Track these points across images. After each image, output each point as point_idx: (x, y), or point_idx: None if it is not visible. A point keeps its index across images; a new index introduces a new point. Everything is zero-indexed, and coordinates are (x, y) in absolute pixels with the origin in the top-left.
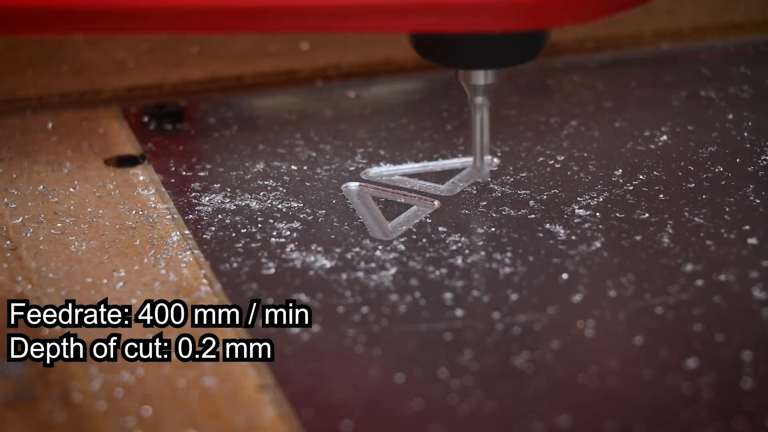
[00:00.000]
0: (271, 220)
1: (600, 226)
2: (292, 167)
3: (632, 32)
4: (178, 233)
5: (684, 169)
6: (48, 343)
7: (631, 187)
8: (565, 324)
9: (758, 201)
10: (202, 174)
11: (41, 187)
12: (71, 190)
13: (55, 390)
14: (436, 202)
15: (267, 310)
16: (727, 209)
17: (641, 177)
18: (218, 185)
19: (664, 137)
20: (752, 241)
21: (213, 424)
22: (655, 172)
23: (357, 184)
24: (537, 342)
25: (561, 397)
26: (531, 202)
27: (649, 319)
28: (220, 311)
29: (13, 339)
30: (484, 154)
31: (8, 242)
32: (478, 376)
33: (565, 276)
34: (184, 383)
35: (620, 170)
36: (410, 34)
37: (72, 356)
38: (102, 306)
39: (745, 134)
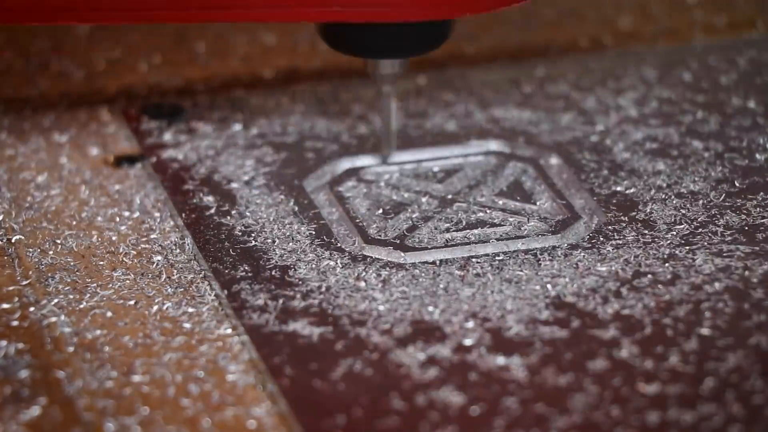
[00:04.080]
0: (272, 220)
1: None
2: (294, 167)
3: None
4: (177, 233)
5: None
6: (47, 342)
7: None
8: None
9: None
10: (201, 174)
11: (41, 186)
12: (70, 189)
13: (54, 389)
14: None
15: (266, 309)
16: None
17: None
18: (218, 185)
19: None
20: None
21: (212, 424)
22: None
23: (356, 183)
24: None
25: None
26: None
27: None
28: (219, 311)
29: (12, 338)
30: (392, 140)
31: (7, 241)
32: (480, 377)
33: None
34: (183, 383)
35: None
36: (318, 23)
37: (71, 355)
38: (101, 305)
39: None
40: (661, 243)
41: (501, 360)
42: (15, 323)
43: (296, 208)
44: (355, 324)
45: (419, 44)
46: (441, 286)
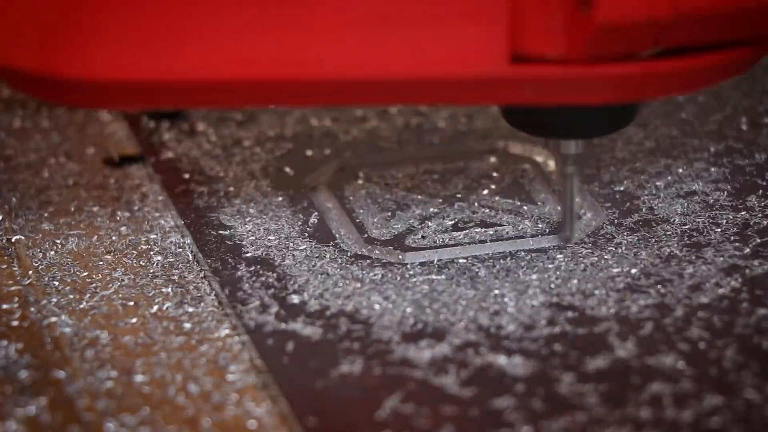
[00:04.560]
0: (273, 220)
1: None
2: (294, 167)
3: None
4: (178, 233)
5: None
6: (47, 342)
7: None
8: None
9: None
10: (201, 174)
11: (41, 186)
12: (70, 189)
13: (54, 389)
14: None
15: (266, 309)
16: None
17: None
18: (218, 185)
19: None
20: None
21: (212, 424)
22: None
23: (356, 182)
24: None
25: None
26: None
27: None
28: (219, 311)
29: (12, 338)
30: (573, 221)
31: (7, 241)
32: (476, 378)
33: None
34: (183, 383)
35: None
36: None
37: (71, 355)
38: (101, 305)
39: None
40: (661, 242)
41: (502, 359)
42: (15, 323)
43: (296, 208)
44: (355, 323)
45: (605, 125)
46: (441, 285)
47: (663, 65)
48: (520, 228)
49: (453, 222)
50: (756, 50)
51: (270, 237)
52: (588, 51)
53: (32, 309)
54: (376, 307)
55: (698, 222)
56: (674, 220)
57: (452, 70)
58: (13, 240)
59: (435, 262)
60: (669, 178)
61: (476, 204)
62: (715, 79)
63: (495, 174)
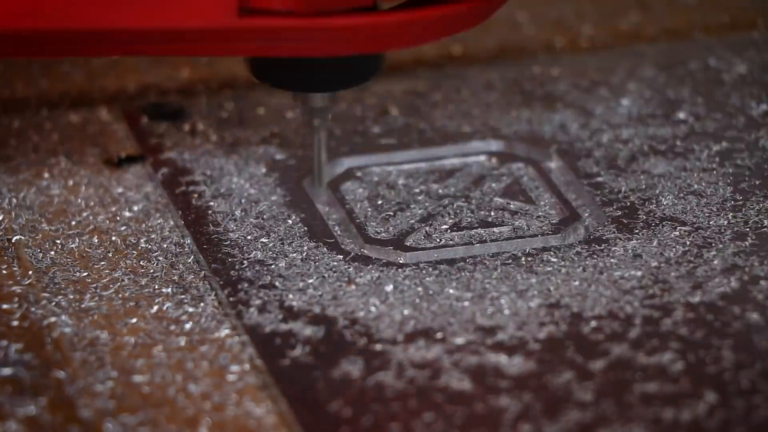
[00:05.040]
0: (273, 220)
1: None
2: (294, 167)
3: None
4: (178, 233)
5: None
6: (47, 342)
7: None
8: None
9: None
10: (201, 173)
11: (41, 186)
12: (71, 189)
13: (54, 389)
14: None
15: (266, 309)
16: None
17: None
18: (218, 185)
19: None
20: None
21: (212, 424)
22: None
23: (356, 183)
24: None
25: None
26: None
27: None
28: (219, 311)
29: (12, 338)
30: (322, 174)
31: (7, 241)
32: (479, 377)
33: None
34: (183, 383)
35: None
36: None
37: (71, 355)
38: (101, 305)
39: None
40: (661, 243)
41: (501, 359)
42: (15, 323)
43: (296, 208)
44: (355, 324)
45: (348, 79)
46: (440, 285)
47: (384, 18)
48: (519, 228)
49: (452, 222)
50: (482, 3)
51: (270, 237)
52: (310, 6)
53: (32, 309)
54: (376, 307)
55: (698, 222)
56: (674, 221)
57: (187, 23)
58: (13, 240)
59: (434, 262)
60: (669, 178)
61: (476, 204)
62: (441, 32)
63: (495, 174)
